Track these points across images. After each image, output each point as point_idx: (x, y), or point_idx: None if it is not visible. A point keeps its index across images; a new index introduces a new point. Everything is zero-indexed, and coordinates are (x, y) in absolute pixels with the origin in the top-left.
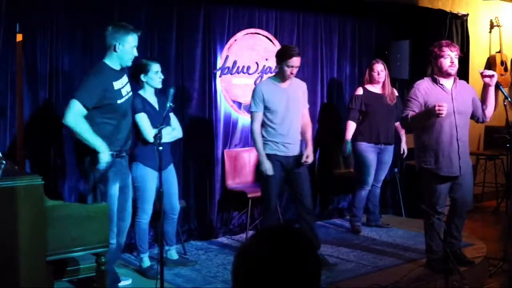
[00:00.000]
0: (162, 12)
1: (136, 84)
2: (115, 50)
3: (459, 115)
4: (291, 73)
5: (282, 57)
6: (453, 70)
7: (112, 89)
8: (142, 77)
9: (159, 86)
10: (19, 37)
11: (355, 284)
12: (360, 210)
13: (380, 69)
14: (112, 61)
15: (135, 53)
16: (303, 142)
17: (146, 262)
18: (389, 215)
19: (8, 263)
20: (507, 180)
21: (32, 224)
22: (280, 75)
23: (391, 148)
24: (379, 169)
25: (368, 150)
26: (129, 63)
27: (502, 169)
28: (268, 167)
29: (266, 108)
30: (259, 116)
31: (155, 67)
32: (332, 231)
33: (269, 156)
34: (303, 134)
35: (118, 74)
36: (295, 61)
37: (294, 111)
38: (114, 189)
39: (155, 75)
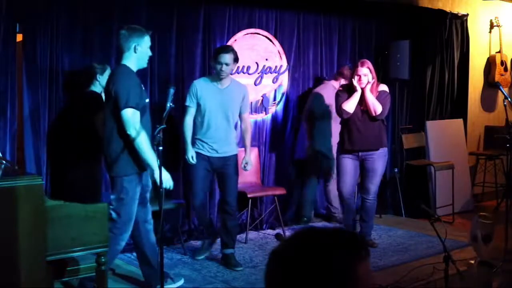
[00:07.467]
0: (162, 12)
1: None
2: (135, 52)
3: None
4: (221, 70)
5: (213, 55)
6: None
7: (142, 88)
8: None
9: None
10: (19, 37)
11: None
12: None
13: (363, 73)
14: (131, 63)
15: (150, 53)
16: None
17: None
18: (389, 215)
19: (8, 263)
20: (507, 180)
21: (32, 224)
22: (215, 74)
23: (379, 154)
24: (364, 177)
25: (344, 158)
26: (146, 64)
27: (502, 169)
28: (191, 155)
29: (198, 106)
30: (191, 111)
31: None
32: None
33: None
34: (242, 139)
35: (136, 75)
36: (222, 57)
37: (226, 113)
38: (137, 190)
39: None
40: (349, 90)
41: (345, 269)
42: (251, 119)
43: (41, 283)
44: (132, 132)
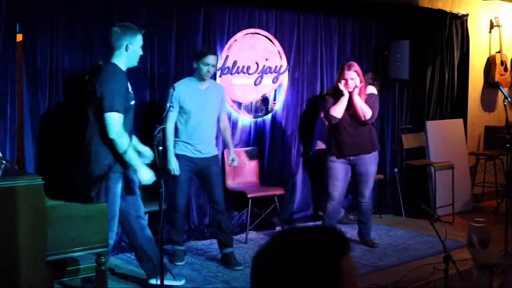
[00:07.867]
0: (162, 12)
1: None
2: (126, 50)
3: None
4: (208, 71)
5: (198, 56)
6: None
7: (128, 90)
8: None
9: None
10: (19, 37)
11: None
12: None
13: (350, 77)
14: (121, 62)
15: (141, 52)
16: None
17: None
18: (389, 215)
19: (8, 263)
20: (507, 180)
21: (32, 224)
22: (198, 75)
23: (370, 157)
24: (358, 182)
25: (335, 163)
26: (136, 63)
27: (502, 169)
28: (174, 166)
29: (181, 108)
30: (172, 114)
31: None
32: None
33: (178, 156)
34: (224, 138)
35: (125, 75)
36: (211, 59)
37: (209, 114)
38: (118, 188)
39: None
40: (335, 94)
41: (328, 264)
42: (251, 119)
43: (41, 283)
44: (113, 135)
